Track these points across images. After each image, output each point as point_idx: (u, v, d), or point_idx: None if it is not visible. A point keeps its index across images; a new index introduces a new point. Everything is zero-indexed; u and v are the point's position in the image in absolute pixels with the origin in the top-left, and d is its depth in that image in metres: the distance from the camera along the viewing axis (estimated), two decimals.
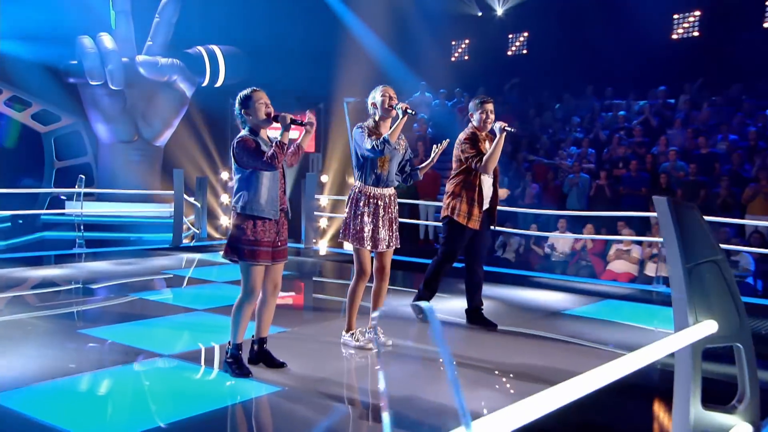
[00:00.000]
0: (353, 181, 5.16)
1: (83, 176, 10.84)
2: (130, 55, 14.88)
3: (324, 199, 14.64)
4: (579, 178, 12.71)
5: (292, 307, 7.39)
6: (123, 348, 5.16)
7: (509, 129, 5.37)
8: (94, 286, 7.84)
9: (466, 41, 18.80)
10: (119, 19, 14.98)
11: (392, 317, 6.38)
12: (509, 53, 18.50)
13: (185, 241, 11.79)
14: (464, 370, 4.85)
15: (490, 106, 5.92)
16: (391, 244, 5.16)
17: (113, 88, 14.58)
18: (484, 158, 5.62)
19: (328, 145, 15.93)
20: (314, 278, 9.35)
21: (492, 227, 6.12)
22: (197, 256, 10.31)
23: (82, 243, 10.51)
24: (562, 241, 11.66)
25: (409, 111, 4.94)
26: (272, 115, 4.40)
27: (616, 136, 13.62)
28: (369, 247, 5.06)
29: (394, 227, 5.17)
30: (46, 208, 14.35)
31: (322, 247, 11.87)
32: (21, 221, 14.42)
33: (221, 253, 4.50)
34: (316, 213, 11.76)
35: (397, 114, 4.97)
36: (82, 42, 14.42)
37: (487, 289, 6.73)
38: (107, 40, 14.55)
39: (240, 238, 4.34)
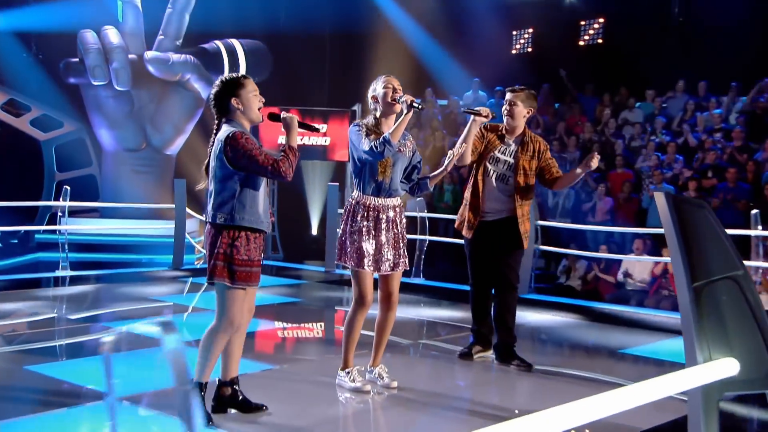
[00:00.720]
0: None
1: (68, 187, 10.52)
2: (139, 51, 14.79)
3: None
4: (663, 191, 11.78)
5: (289, 340, 7.38)
6: (69, 388, 5.18)
7: (416, 105, 4.90)
8: (59, 315, 7.85)
9: (530, 30, 18.00)
10: (126, 10, 14.91)
11: (400, 354, 6.35)
12: (581, 43, 17.58)
13: (197, 263, 11.74)
14: (479, 419, 4.78)
15: (509, 96, 5.80)
16: (399, 265, 4.96)
17: (119, 89, 14.48)
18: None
19: None
20: (329, 306, 9.24)
21: (537, 246, 5.95)
22: (196, 280, 10.17)
23: (66, 266, 10.36)
24: (639, 265, 11.03)
25: (415, 105, 4.69)
26: (275, 114, 4.29)
27: (710, 140, 12.71)
28: (370, 269, 4.86)
29: (402, 245, 4.99)
30: (46, 225, 14.17)
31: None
32: (15, 241, 14.25)
33: (208, 278, 4.24)
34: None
35: (402, 109, 4.74)
36: (84, 36, 14.38)
37: (541, 321, 7.46)
38: (112, 35, 14.46)
39: (233, 256, 4.13)
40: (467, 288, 6.34)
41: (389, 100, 4.86)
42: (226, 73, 15.09)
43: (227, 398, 4.46)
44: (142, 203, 13.96)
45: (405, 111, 4.73)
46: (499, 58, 16.93)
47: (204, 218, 4.39)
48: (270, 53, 15.92)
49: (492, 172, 5.61)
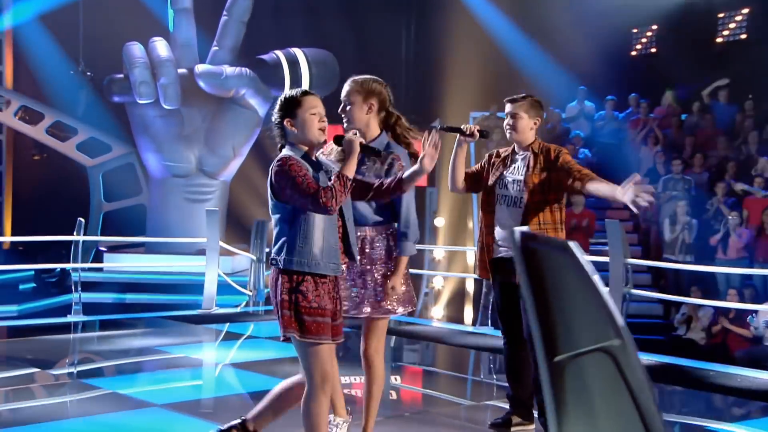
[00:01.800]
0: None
1: (82, 219, 10.82)
2: (191, 64, 15.14)
3: (439, 252, 14.11)
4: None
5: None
6: None
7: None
8: (41, 371, 7.94)
9: (653, 27, 17.44)
10: (178, 19, 15.33)
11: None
12: (719, 40, 16.94)
13: (238, 308, 11.92)
14: None
15: (507, 107, 5.56)
16: (374, 306, 4.83)
17: (166, 107, 14.79)
18: None
19: (445, 176, 15.26)
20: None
21: None
22: (222, 327, 10.21)
23: (78, 309, 10.65)
24: None
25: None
26: (340, 136, 4.28)
27: None
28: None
29: (377, 281, 4.85)
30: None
31: (436, 316, 11.29)
32: (52, 279, 14.89)
33: (281, 331, 4.30)
34: (427, 270, 11.25)
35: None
36: (129, 50, 14.79)
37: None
38: (161, 47, 14.86)
39: (298, 303, 4.12)
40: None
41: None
42: (287, 89, 15.72)
43: None
44: (192, 237, 14.21)
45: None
46: (613, 61, 16.57)
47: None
48: (338, 64, 15.99)
49: (503, 198, 5.49)
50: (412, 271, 5.57)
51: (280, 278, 4.18)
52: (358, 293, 4.88)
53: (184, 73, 14.96)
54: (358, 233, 4.82)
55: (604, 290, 2.13)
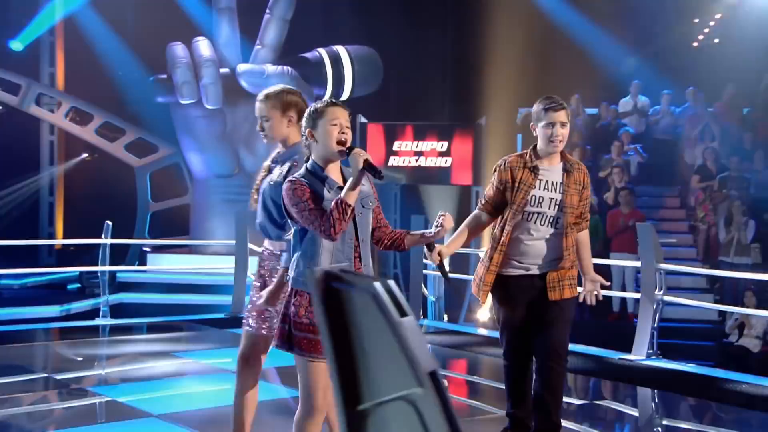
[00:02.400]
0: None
1: (109, 223, 10.92)
2: (233, 64, 15.16)
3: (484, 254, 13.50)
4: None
5: None
6: None
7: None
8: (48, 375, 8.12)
9: (717, 17, 16.76)
10: (221, 19, 15.33)
11: None
12: None
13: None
14: None
15: (560, 116, 5.10)
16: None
17: (209, 107, 14.86)
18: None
19: (489, 175, 14.88)
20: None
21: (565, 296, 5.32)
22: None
23: (106, 311, 10.76)
24: None
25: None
26: (347, 146, 4.19)
27: None
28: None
29: None
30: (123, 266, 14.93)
31: (481, 323, 11.06)
32: (96, 280, 15.08)
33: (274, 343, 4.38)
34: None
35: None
36: (173, 50, 14.89)
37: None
38: (204, 47, 14.93)
39: (291, 319, 4.17)
40: None
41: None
42: (329, 87, 15.62)
43: None
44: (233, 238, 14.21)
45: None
46: (673, 54, 16.05)
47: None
48: (382, 61, 15.85)
49: (536, 216, 5.18)
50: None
51: (290, 293, 4.20)
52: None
53: (227, 72, 14.99)
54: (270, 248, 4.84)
55: (412, 335, 1.98)
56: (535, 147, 5.19)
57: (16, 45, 17.44)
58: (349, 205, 4.04)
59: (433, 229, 4.41)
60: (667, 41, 16.04)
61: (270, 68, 14.88)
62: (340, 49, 15.53)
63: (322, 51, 15.51)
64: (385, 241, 4.51)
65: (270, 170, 4.78)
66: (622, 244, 12.47)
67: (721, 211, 12.56)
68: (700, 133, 14.09)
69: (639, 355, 8.59)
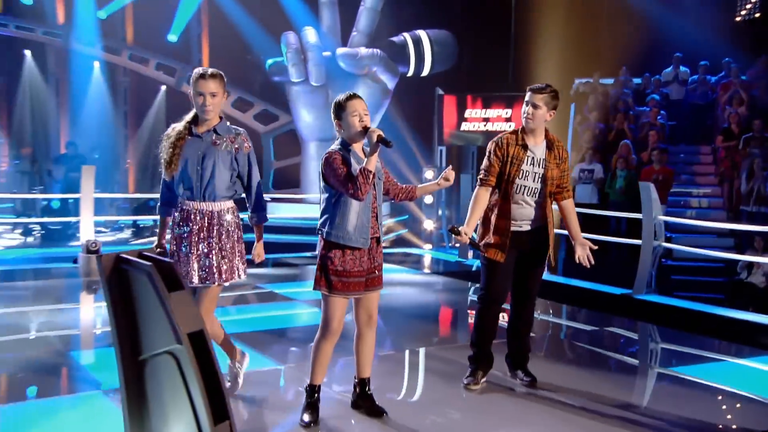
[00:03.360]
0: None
1: None
2: (334, 47, 15.16)
3: None
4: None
5: None
6: None
7: (387, 141, 4.38)
8: None
9: None
10: (324, 10, 15.37)
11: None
12: None
13: None
14: None
15: (533, 98, 5.04)
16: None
17: (314, 84, 14.96)
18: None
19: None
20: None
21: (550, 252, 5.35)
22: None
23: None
24: None
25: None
26: (364, 127, 4.43)
27: None
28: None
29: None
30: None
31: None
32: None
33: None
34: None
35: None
36: (286, 37, 15.10)
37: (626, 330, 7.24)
38: (311, 34, 15.00)
39: (328, 267, 4.38)
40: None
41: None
42: (412, 66, 15.24)
43: (359, 397, 4.69)
44: None
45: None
46: (718, 26, 14.85)
47: None
48: (456, 41, 15.49)
49: (522, 188, 5.09)
50: None
51: (320, 244, 4.40)
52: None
53: (329, 55, 14.98)
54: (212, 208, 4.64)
55: (178, 304, 2.28)
56: (524, 127, 5.06)
57: (172, 37, 17.84)
58: (370, 171, 4.15)
59: (439, 180, 4.59)
60: (711, 15, 14.85)
61: (363, 51, 14.78)
62: (421, 33, 15.30)
63: (406, 35, 15.32)
64: (401, 195, 4.69)
65: (193, 135, 4.56)
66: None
67: (744, 166, 11.81)
68: (729, 99, 13.13)
69: (638, 291, 8.51)
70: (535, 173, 5.04)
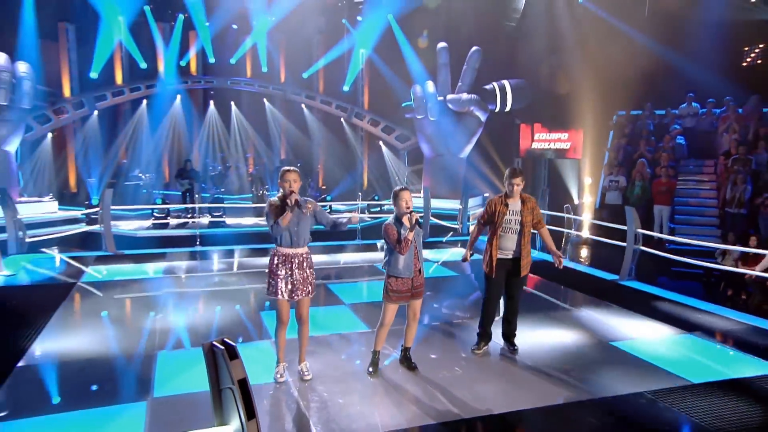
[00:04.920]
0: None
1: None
2: (445, 94, 15.37)
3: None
4: None
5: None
6: None
7: (420, 224, 4.54)
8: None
9: (761, 46, 14.24)
10: (441, 69, 15.57)
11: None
12: None
13: (450, 236, 11.60)
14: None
15: (516, 181, 5.15)
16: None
17: (431, 119, 15.32)
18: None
19: (589, 154, 14.17)
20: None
21: (524, 274, 5.30)
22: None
23: None
24: None
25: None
26: (409, 211, 4.45)
27: None
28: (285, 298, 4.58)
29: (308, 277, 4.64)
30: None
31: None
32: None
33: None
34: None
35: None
36: (414, 88, 15.54)
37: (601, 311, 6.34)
38: (430, 86, 15.36)
39: (386, 286, 4.66)
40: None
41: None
42: (498, 105, 15.38)
43: (403, 358, 4.91)
44: (447, 192, 14.70)
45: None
46: (725, 70, 13.82)
47: None
48: (528, 87, 15.30)
49: (507, 229, 5.24)
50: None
51: (385, 275, 4.64)
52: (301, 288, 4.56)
53: (442, 99, 15.27)
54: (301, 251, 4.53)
55: (232, 366, 2.49)
56: (506, 193, 5.21)
57: (345, 88, 18.68)
58: (409, 240, 4.41)
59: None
60: (722, 60, 13.67)
61: (464, 96, 15.00)
62: (505, 82, 15.29)
63: (495, 84, 15.34)
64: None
65: (292, 203, 4.35)
66: (660, 200, 11.75)
67: (730, 179, 11.31)
68: (726, 128, 12.51)
69: (623, 278, 8.27)
70: (516, 219, 5.17)
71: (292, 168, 4.49)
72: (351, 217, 4.79)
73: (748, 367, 5.20)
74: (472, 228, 5.31)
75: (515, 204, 5.22)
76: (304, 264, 4.54)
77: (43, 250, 9.83)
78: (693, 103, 13.73)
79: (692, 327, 6.23)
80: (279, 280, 4.49)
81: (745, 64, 14.40)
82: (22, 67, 11.73)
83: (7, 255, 9.11)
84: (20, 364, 5.06)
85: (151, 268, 8.79)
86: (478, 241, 5.48)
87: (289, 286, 4.49)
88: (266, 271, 4.57)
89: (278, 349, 4.72)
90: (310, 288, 4.57)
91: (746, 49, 14.32)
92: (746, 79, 13.63)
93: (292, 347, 5.00)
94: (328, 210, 14.57)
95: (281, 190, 4.46)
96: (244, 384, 2.49)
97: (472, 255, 5.40)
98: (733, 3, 13.63)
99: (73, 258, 9.29)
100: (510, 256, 5.23)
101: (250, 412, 2.46)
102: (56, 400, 4.44)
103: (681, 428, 4.11)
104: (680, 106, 13.89)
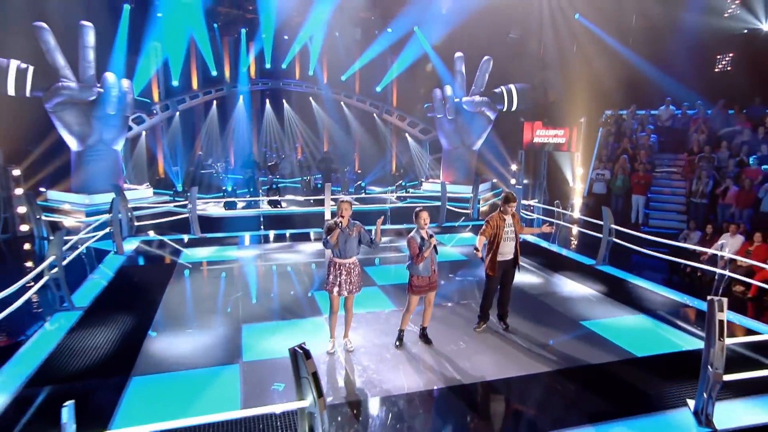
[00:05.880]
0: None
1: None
2: (461, 97, 15.40)
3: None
4: None
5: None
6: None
7: (436, 247, 4.97)
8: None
9: (731, 54, 13.90)
10: (457, 75, 15.51)
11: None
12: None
13: (463, 220, 11.73)
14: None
15: (509, 206, 5.45)
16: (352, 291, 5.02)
17: (449, 117, 15.39)
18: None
19: (583, 147, 14.29)
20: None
21: (517, 269, 5.68)
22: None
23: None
24: (733, 242, 8.27)
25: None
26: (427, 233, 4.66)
27: None
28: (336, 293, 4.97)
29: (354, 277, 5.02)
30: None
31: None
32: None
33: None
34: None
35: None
36: (435, 92, 15.57)
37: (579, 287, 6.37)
38: (448, 89, 15.36)
39: (410, 282, 5.05)
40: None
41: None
42: (506, 106, 15.49)
43: (421, 335, 5.29)
44: (461, 178, 14.83)
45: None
46: (701, 77, 13.70)
47: None
48: (531, 90, 15.17)
49: (506, 238, 5.55)
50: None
51: (409, 274, 4.96)
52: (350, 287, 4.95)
53: (458, 101, 15.29)
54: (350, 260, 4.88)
55: (308, 366, 3.04)
56: (501, 210, 5.55)
57: (378, 88, 18.62)
58: (425, 256, 4.75)
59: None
60: (696, 68, 13.51)
61: (477, 98, 14.98)
62: (512, 86, 15.17)
63: (503, 87, 15.21)
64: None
65: (340, 228, 4.74)
66: (637, 190, 11.88)
67: (696, 174, 11.42)
68: (695, 129, 12.53)
69: (598, 263, 8.42)
70: (511, 230, 5.56)
71: (347, 199, 4.94)
72: (377, 227, 4.92)
73: (687, 343, 5.60)
74: (480, 238, 5.47)
75: (509, 219, 5.64)
76: (351, 271, 5.01)
77: (149, 232, 10.07)
78: (671, 106, 13.64)
79: (646, 309, 6.52)
80: (332, 280, 5.00)
81: (716, 70, 14.10)
82: (125, 84, 12.46)
83: (124, 238, 9.32)
84: (152, 331, 5.75)
85: (229, 250, 8.98)
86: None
87: (339, 286, 4.99)
88: (325, 261, 5.06)
89: (330, 329, 5.23)
90: (354, 288, 5.03)
91: (718, 57, 14.02)
92: (716, 85, 13.45)
93: (339, 324, 5.45)
94: (364, 192, 15.03)
95: (338, 213, 4.90)
96: (315, 375, 3.21)
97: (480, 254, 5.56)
98: (706, 17, 13.29)
99: (171, 240, 9.53)
100: (508, 258, 5.62)
101: (320, 393, 3.18)
102: (176, 361, 5.06)
103: (623, 395, 4.61)
104: (660, 108, 13.80)
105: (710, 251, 7.78)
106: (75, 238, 7.83)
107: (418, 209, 5.02)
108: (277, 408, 3.37)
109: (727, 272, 6.98)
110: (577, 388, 4.73)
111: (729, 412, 4.36)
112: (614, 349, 5.45)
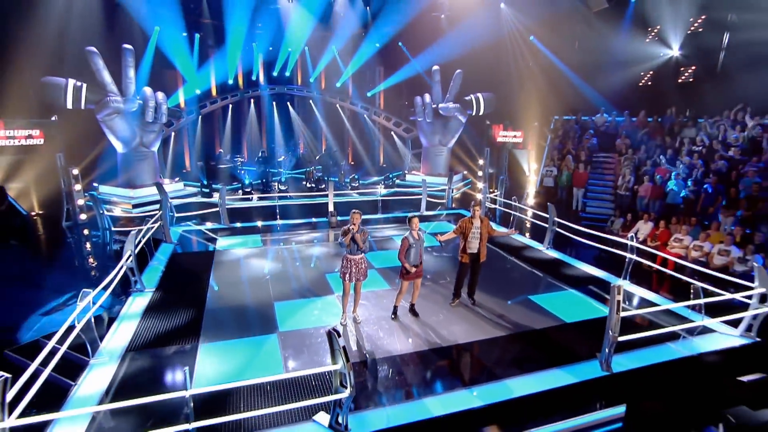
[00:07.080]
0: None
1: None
2: (437, 103, 15.49)
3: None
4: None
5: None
6: None
7: (440, 241, 5.34)
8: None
9: (650, 73, 14.41)
10: (434, 85, 15.56)
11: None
12: (680, 81, 13.68)
13: (439, 209, 11.79)
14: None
15: (479, 212, 5.72)
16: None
17: (428, 120, 15.50)
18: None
19: (534, 146, 14.90)
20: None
21: (482, 260, 5.94)
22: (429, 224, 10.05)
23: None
24: (644, 228, 8.80)
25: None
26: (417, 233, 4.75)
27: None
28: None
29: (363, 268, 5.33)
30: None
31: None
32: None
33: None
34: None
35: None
36: (416, 100, 15.69)
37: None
38: (427, 97, 15.44)
39: (401, 270, 5.33)
40: None
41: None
42: (474, 111, 15.85)
43: (410, 307, 5.58)
44: (438, 173, 15.01)
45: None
46: (626, 90, 14.26)
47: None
48: (495, 98, 15.41)
49: (473, 237, 5.86)
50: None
51: (402, 264, 5.14)
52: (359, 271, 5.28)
53: (435, 107, 15.32)
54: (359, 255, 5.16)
55: (337, 341, 3.20)
56: (472, 215, 5.85)
57: (369, 94, 18.62)
58: (410, 265, 4.88)
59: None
60: (624, 82, 14.01)
61: (451, 105, 14.94)
62: (480, 95, 15.24)
63: (472, 96, 15.24)
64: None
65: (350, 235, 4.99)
66: (577, 184, 12.44)
67: (620, 172, 12.05)
68: (620, 134, 13.12)
69: (546, 246, 8.75)
70: (477, 231, 5.87)
71: (357, 211, 5.33)
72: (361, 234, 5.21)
73: (604, 311, 6.18)
74: (451, 234, 5.89)
75: (477, 221, 6.06)
76: (360, 264, 5.55)
77: (188, 223, 10.12)
78: (605, 114, 14.24)
79: (578, 284, 6.95)
80: (344, 270, 5.49)
81: (640, 84, 14.62)
82: (160, 95, 12.69)
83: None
84: (206, 307, 6.15)
85: (254, 237, 9.02)
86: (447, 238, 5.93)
87: (349, 274, 5.50)
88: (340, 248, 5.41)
89: (343, 306, 5.70)
90: (360, 276, 5.55)
91: (642, 74, 14.59)
92: (640, 97, 13.96)
93: (348, 303, 5.79)
94: (357, 184, 15.21)
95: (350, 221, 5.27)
96: (344, 349, 3.92)
97: (442, 242, 5.86)
98: (630, 44, 13.72)
99: (207, 230, 9.54)
100: (474, 252, 6.04)
101: (347, 359, 3.86)
102: (227, 332, 5.52)
103: (555, 351, 5.29)
104: (596, 116, 14.40)
105: (625, 241, 8.12)
106: (143, 228, 7.78)
107: (410, 216, 5.44)
108: (318, 370, 4.07)
109: (634, 256, 7.62)
110: (522, 347, 5.41)
111: (622, 360, 5.15)
112: (551, 317, 6.02)
